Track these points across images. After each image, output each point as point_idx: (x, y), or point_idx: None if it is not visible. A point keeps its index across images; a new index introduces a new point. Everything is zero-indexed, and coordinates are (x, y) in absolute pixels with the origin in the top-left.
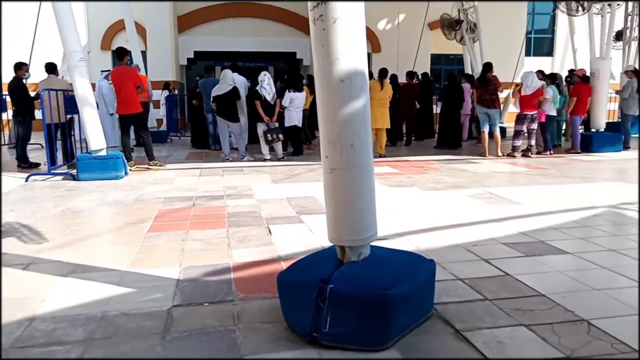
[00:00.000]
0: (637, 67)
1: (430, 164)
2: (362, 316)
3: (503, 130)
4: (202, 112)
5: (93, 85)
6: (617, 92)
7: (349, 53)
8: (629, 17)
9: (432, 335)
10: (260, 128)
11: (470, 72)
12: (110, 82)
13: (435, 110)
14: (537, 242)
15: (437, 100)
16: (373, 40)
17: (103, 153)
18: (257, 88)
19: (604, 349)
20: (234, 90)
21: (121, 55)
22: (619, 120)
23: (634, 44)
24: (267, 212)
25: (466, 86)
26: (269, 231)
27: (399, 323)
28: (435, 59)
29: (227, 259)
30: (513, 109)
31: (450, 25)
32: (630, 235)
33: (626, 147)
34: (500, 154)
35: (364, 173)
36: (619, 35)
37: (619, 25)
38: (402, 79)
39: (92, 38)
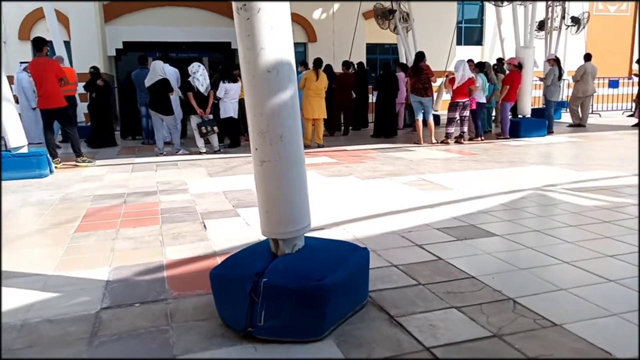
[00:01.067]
0: (557, 55)
1: (367, 153)
2: (296, 308)
3: (437, 118)
4: (133, 105)
5: (11, 78)
6: (541, 80)
7: (274, 43)
8: (549, 8)
9: (367, 323)
10: (194, 121)
11: (404, 62)
12: (29, 74)
13: (371, 100)
14: (468, 226)
15: (373, 89)
16: (309, 29)
17: (24, 150)
18: (189, 79)
19: (527, 325)
20: (164, 82)
21: (39, 45)
22: (544, 106)
23: (555, 34)
24: (202, 207)
25: (401, 75)
26: (204, 226)
27: (334, 313)
28: (371, 48)
29: (160, 257)
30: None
31: (383, 15)
32: (554, 215)
33: (550, 131)
34: (434, 141)
35: (295, 164)
36: (541, 25)
37: (541, 16)
38: (338, 69)
39: (9, 27)
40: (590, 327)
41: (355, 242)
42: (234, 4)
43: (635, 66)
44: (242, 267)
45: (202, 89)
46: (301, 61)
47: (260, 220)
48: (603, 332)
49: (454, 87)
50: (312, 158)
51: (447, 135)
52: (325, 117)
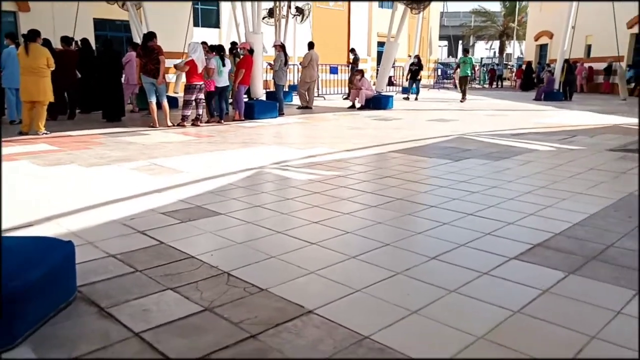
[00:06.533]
0: (285, 42)
1: (96, 138)
2: None
3: (174, 101)
4: None
5: None
6: (269, 65)
7: None
8: None
9: (73, 320)
10: None
11: (138, 41)
12: None
13: None
14: (194, 208)
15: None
16: None
17: None
18: None
19: (238, 294)
20: None
21: None
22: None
23: (284, 21)
24: None
25: (133, 55)
26: None
27: (27, 316)
28: (100, 24)
29: None
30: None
31: None
32: (275, 190)
33: (281, 113)
34: (170, 124)
35: None
36: (271, 12)
37: (270, 3)
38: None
39: None
40: (291, 287)
41: (68, 237)
42: None
43: (351, 55)
44: None
45: None
46: (7, 33)
47: None
48: (301, 289)
49: (200, 70)
50: (27, 146)
51: (184, 118)
52: (47, 99)
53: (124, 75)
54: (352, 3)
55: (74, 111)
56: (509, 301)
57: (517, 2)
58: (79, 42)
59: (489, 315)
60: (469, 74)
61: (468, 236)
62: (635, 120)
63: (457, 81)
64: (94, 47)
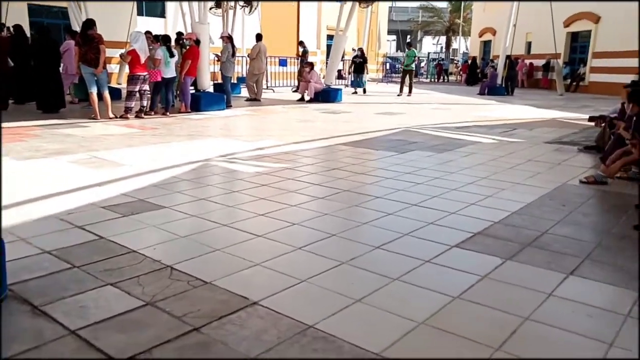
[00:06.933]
0: (233, 33)
1: (31, 130)
2: None
3: (117, 92)
4: None
5: None
6: (216, 56)
7: None
8: None
9: (3, 319)
10: None
11: (77, 29)
12: None
13: None
14: (136, 201)
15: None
16: None
17: None
18: None
19: (181, 287)
20: None
21: None
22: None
23: (232, 12)
24: None
25: (71, 43)
26: None
27: None
28: (36, 10)
29: None
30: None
31: None
32: (220, 183)
33: (229, 105)
34: (111, 115)
35: None
36: (219, 3)
37: None
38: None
39: None
40: (236, 279)
41: None
42: None
43: (300, 48)
44: None
45: None
46: None
47: None
48: (246, 281)
49: (142, 61)
50: None
51: (127, 110)
52: None
53: (62, 65)
54: None
55: (7, 101)
56: (449, 287)
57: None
58: (11, 29)
59: (430, 302)
60: (413, 68)
61: (412, 226)
62: (570, 114)
63: None
64: (28, 35)
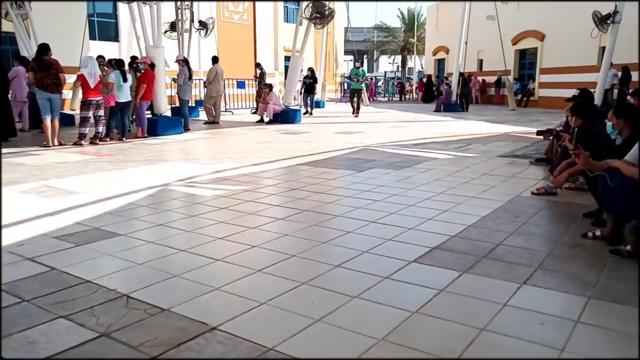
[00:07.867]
0: (190, 57)
1: None
2: None
3: (71, 118)
4: None
5: None
6: (173, 80)
7: None
8: (179, 10)
9: None
10: None
11: (25, 54)
12: None
13: None
14: (91, 230)
15: None
16: None
17: None
18: None
19: (138, 316)
20: None
21: None
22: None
23: (187, 35)
24: None
25: (21, 70)
26: None
27: None
28: None
29: None
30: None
31: None
32: (178, 208)
33: (187, 129)
34: (56, 143)
35: None
36: (173, 26)
37: (171, 17)
38: None
39: None
40: (194, 305)
41: None
42: None
43: (257, 70)
44: None
45: None
46: None
47: None
48: (204, 307)
49: (93, 86)
50: None
51: (81, 136)
52: None
53: (10, 92)
54: (257, 17)
55: None
56: (408, 303)
57: (415, 20)
58: None
59: (389, 318)
60: (362, 87)
61: (371, 243)
62: (522, 129)
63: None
64: None
